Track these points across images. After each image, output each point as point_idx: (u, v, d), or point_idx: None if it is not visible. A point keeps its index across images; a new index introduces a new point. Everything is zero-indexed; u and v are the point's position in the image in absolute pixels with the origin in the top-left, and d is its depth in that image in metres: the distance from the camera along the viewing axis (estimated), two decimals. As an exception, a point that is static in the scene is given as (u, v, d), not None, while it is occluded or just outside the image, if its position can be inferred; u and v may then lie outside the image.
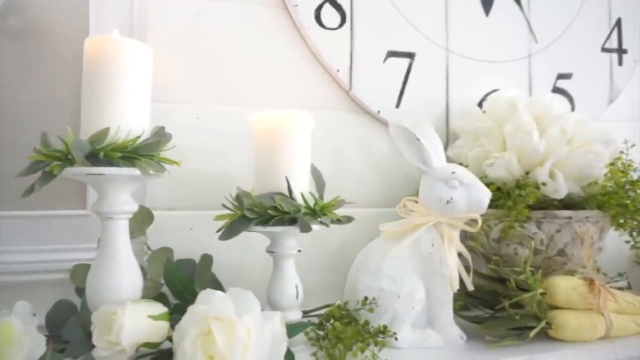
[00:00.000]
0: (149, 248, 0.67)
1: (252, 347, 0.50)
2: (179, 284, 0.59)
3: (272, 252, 0.63)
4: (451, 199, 0.65)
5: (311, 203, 0.62)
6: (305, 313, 0.75)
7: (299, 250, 0.64)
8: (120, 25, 0.77)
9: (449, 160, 0.84)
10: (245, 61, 0.81)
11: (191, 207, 0.79)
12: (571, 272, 0.75)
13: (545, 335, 0.67)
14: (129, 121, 0.54)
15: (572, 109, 0.97)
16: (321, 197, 0.65)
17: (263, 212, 0.59)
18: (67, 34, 0.77)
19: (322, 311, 0.69)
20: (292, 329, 0.58)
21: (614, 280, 0.93)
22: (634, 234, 0.74)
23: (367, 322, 0.61)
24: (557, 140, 0.71)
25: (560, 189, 0.69)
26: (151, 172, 0.53)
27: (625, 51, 1.02)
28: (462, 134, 0.84)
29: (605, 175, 0.72)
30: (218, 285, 0.70)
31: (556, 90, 0.97)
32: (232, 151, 0.80)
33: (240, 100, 0.81)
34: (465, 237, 0.78)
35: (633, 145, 0.74)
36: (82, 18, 0.76)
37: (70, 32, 0.77)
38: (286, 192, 0.61)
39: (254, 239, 0.67)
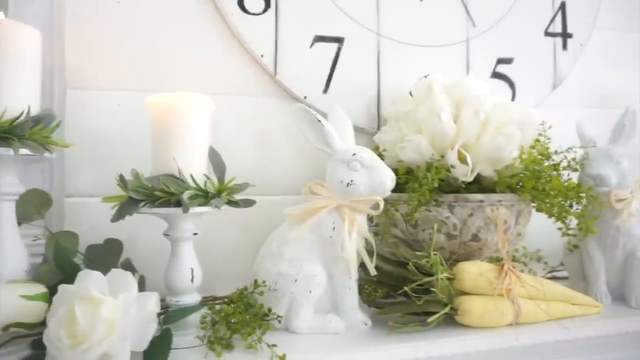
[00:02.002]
0: (50, 232, 0.67)
1: (117, 327, 0.49)
2: (67, 266, 0.59)
3: (168, 235, 0.63)
4: (352, 181, 0.64)
5: (203, 185, 0.61)
6: (217, 299, 0.74)
7: (195, 234, 0.63)
8: (39, 13, 0.77)
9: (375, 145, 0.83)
10: (167, 47, 0.81)
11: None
12: (495, 259, 0.73)
13: (453, 322, 0.66)
14: (6, 102, 0.54)
15: (513, 94, 0.95)
16: (221, 180, 0.65)
17: (150, 193, 0.59)
18: (-15, 22, 0.77)
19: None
20: (177, 313, 0.57)
21: (555, 270, 0.91)
22: (556, 218, 0.71)
23: (257, 306, 0.61)
24: (469, 123, 0.69)
25: (469, 171, 0.67)
26: (24, 152, 0.53)
27: (570, 35, 0.99)
28: (389, 119, 0.83)
29: (520, 157, 0.70)
30: (130, 270, 0.69)
31: (496, 75, 0.95)
32: (153, 137, 0.79)
33: (162, 87, 0.80)
34: (390, 223, 0.77)
35: (550, 127, 0.72)
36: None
37: (-12, 20, 0.77)
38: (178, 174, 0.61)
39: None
